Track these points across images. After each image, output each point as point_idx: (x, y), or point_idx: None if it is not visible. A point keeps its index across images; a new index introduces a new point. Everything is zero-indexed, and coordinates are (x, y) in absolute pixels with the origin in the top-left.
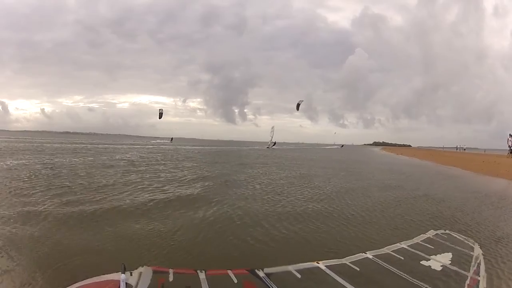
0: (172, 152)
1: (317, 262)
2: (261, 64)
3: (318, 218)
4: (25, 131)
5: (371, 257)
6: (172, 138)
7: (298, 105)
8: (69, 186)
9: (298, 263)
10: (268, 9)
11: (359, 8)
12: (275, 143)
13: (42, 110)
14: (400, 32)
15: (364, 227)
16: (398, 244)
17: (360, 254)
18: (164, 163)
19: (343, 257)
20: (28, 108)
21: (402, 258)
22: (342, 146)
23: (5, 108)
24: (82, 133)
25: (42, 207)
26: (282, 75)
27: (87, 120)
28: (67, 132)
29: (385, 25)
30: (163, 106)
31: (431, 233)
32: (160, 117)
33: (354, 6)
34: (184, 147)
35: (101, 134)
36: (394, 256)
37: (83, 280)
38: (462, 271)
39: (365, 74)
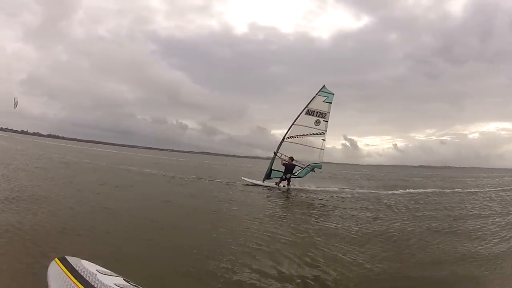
0: None
1: None
2: None
3: None
4: (379, 165)
5: None
6: None
7: None
8: None
9: None
10: None
11: None
12: (313, 169)
13: (395, 145)
14: None
15: None
16: None
17: None
18: None
19: None
20: (379, 144)
21: None
22: None
23: (353, 144)
24: (435, 167)
25: None
26: None
27: (439, 153)
28: (421, 166)
29: None
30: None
31: None
32: None
33: None
34: None
35: (455, 167)
36: None
37: None
38: None
39: None
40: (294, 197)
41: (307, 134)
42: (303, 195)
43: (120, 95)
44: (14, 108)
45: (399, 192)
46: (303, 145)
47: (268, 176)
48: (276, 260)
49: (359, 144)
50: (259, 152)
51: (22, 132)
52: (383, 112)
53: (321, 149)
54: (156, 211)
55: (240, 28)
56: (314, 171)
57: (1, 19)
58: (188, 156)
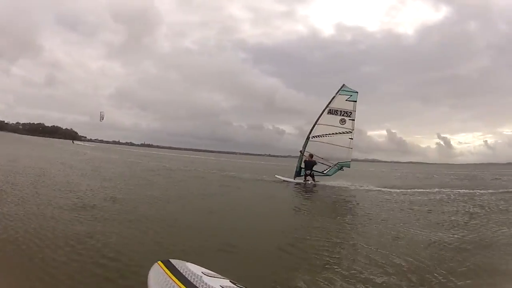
0: None
1: None
2: None
3: None
4: (470, 163)
5: None
6: None
7: None
8: None
9: None
10: None
11: None
12: (341, 167)
13: (485, 142)
14: None
15: None
16: None
17: None
18: None
19: None
20: (471, 141)
21: None
22: None
23: (447, 143)
24: None
25: None
26: None
27: None
28: (509, 163)
29: None
30: None
31: None
32: None
33: None
34: None
35: None
36: None
37: None
38: None
39: None
40: (399, 201)
41: (332, 133)
42: (401, 197)
43: (215, 104)
44: (100, 121)
45: (491, 192)
46: (330, 144)
47: (298, 174)
48: (374, 270)
49: (452, 142)
50: (356, 154)
51: (114, 142)
52: (473, 107)
53: (349, 147)
54: (261, 215)
55: (327, 30)
56: (343, 170)
57: (77, 39)
58: (287, 160)
